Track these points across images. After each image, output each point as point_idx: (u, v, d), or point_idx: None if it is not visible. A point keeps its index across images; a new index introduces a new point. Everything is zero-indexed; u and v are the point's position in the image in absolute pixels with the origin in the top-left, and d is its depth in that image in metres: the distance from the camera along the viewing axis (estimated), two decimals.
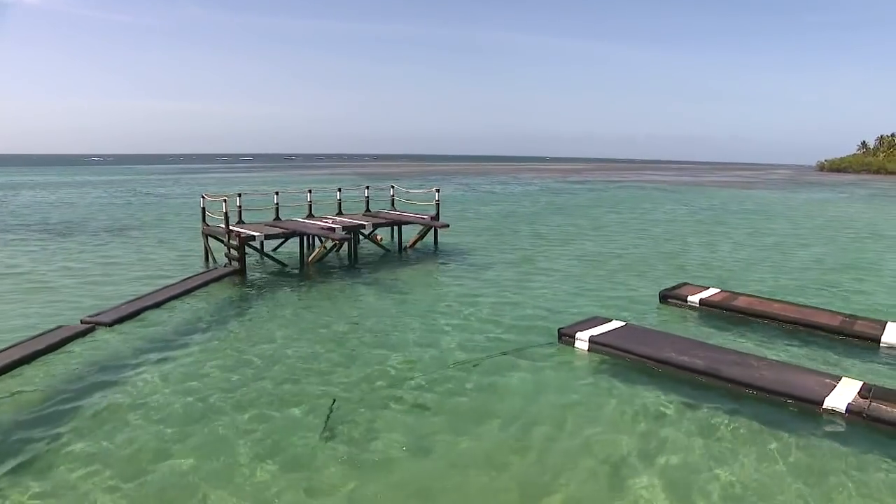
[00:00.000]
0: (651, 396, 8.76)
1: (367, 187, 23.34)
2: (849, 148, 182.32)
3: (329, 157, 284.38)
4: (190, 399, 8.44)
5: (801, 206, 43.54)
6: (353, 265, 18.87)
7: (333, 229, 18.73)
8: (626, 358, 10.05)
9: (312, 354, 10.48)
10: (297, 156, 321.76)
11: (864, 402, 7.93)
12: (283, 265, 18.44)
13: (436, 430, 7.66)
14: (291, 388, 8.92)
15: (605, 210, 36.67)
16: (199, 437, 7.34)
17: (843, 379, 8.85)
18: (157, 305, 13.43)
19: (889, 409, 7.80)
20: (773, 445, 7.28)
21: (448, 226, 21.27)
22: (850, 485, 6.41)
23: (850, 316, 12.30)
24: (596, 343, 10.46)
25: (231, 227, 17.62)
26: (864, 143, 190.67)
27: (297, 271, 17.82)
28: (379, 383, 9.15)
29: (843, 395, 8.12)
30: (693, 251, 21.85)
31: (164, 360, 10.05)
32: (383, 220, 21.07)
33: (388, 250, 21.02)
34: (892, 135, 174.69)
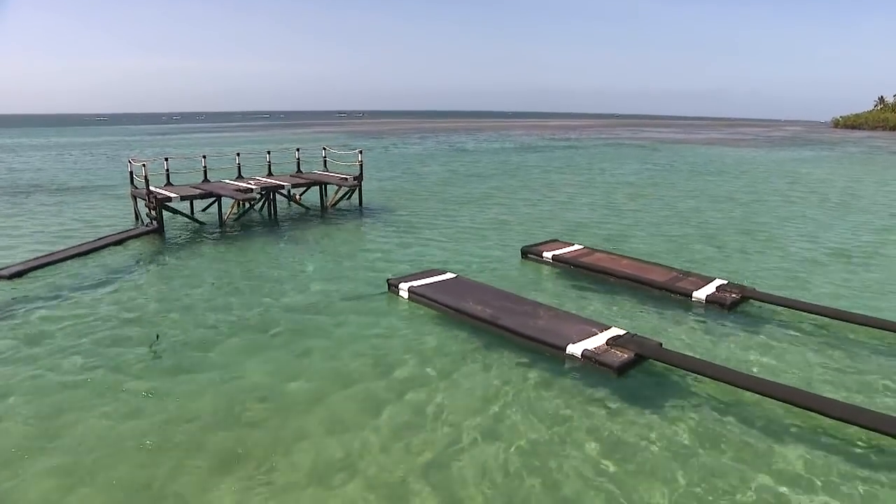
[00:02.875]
0: (434, 340, 10.01)
1: (298, 149, 24.34)
2: (871, 103, 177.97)
3: (331, 113, 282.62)
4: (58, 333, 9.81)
5: (765, 165, 43.71)
6: (273, 223, 20.02)
7: (251, 190, 19.86)
8: (433, 306, 11.22)
9: (186, 297, 12.17)
10: (301, 112, 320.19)
11: (599, 349, 9.02)
12: (201, 224, 19.60)
13: (245, 356, 9.32)
14: (142, 328, 10.39)
15: (552, 171, 36.94)
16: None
17: (612, 328, 9.91)
18: (65, 260, 14.70)
19: (617, 353, 8.91)
20: (521, 384, 8.48)
21: (357, 185, 22.25)
22: (575, 418, 7.61)
23: (684, 273, 13.27)
24: (414, 293, 11.67)
25: (151, 189, 18.76)
26: (881, 99, 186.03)
27: (217, 230, 18.96)
28: (225, 323, 10.67)
29: (588, 343, 9.22)
30: (597, 212, 22.46)
31: (54, 306, 11.40)
32: (305, 181, 22.13)
33: (308, 209, 22.07)
34: None
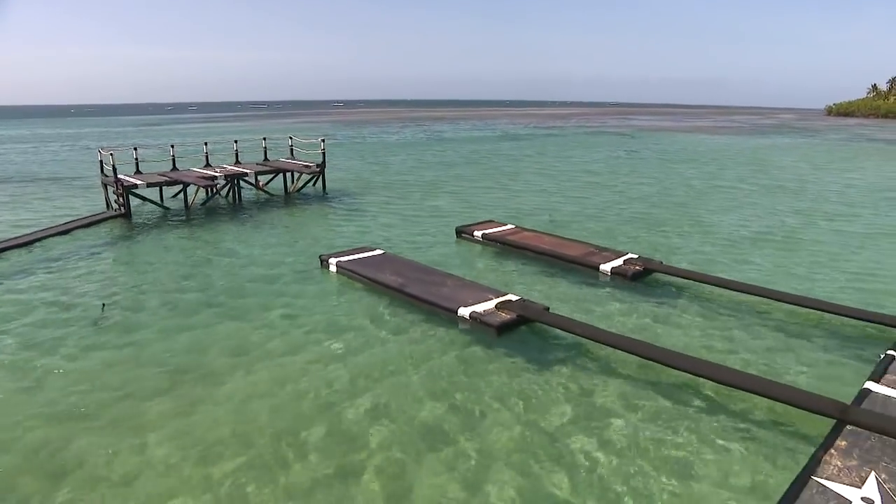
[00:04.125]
0: (350, 305, 11.20)
1: (265, 139, 25.36)
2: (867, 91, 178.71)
3: (329, 103, 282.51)
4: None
5: (738, 152, 44.67)
6: (237, 208, 21.09)
7: (215, 178, 20.91)
8: (357, 278, 12.36)
9: (138, 272, 13.50)
10: (300, 102, 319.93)
11: (486, 312, 10.13)
12: (167, 209, 20.66)
13: (183, 318, 10.64)
14: (89, 300, 11.49)
15: (520, 159, 37.39)
16: None
17: (508, 295, 11.01)
18: (32, 242, 15.76)
19: (501, 315, 10.06)
20: (419, 340, 9.69)
21: (320, 172, 23.30)
22: (455, 365, 8.80)
23: (599, 248, 14.36)
24: (341, 267, 12.82)
25: (118, 177, 19.79)
26: (874, 87, 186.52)
27: (183, 215, 20.01)
28: (172, 293, 11.88)
29: (478, 306, 10.34)
30: (546, 198, 23.31)
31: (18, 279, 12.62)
32: (269, 169, 23.16)
33: (272, 195, 23.13)
34: None
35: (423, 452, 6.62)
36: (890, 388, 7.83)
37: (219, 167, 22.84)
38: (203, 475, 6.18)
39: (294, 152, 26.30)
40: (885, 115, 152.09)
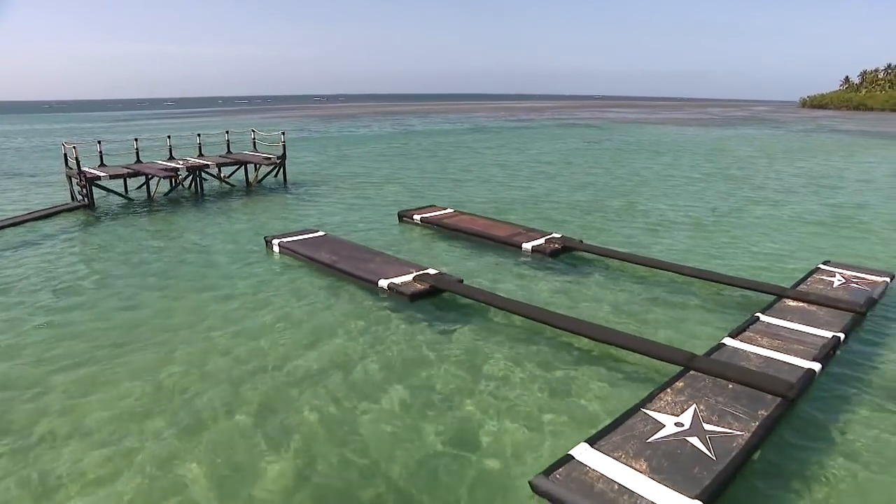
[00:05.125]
0: (288, 280, 12.23)
1: (228, 132, 26.22)
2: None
3: (310, 97, 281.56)
4: None
5: (700, 143, 46.15)
6: (199, 199, 21.97)
7: (177, 169, 21.77)
8: (297, 257, 13.43)
9: (98, 254, 14.43)
10: (280, 97, 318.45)
11: (403, 283, 11.20)
12: (131, 200, 21.50)
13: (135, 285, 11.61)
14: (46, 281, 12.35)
15: (482, 151, 38.06)
16: None
17: (428, 269, 12.09)
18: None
19: (416, 285, 11.10)
20: (344, 308, 10.73)
21: (281, 164, 24.23)
22: (372, 329, 9.83)
23: (526, 229, 15.49)
24: (283, 247, 13.86)
25: (82, 169, 20.59)
26: (846, 79, 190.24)
27: (146, 205, 20.84)
28: (126, 272, 12.77)
29: (397, 279, 11.40)
30: (490, 188, 24.45)
31: None
32: (230, 161, 24.04)
33: (233, 186, 24.02)
34: (876, 70, 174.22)
35: (323, 395, 7.67)
36: (742, 343, 9.00)
37: (182, 160, 23.66)
38: (132, 430, 7.15)
39: (257, 145, 27.07)
40: (857, 108, 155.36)
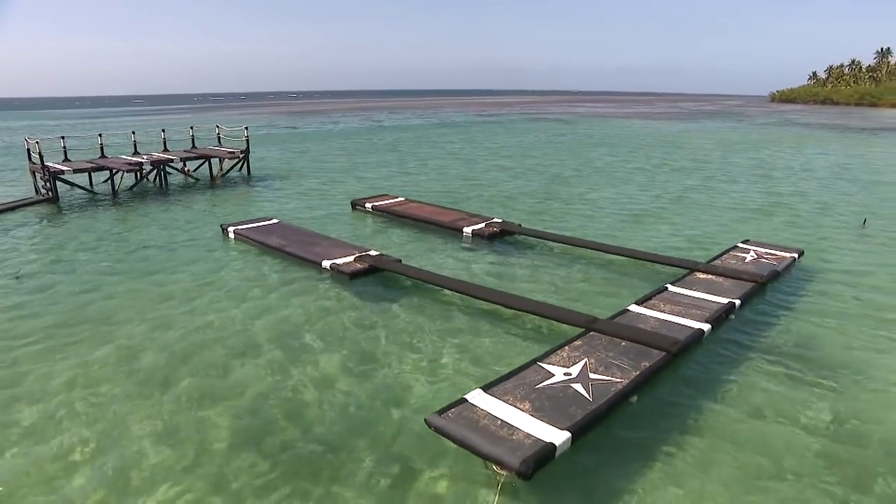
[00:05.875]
0: (241, 263, 12.98)
1: (192, 127, 26.82)
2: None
3: (287, 94, 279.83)
4: None
5: (662, 136, 47.71)
6: (164, 192, 22.57)
7: (140, 164, 22.35)
8: (250, 242, 14.22)
9: (58, 245, 14.97)
10: (257, 94, 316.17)
11: (344, 263, 12.07)
12: (95, 194, 22.04)
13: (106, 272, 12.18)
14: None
15: (443, 144, 39.30)
16: None
17: (370, 250, 12.96)
18: None
19: (356, 265, 11.98)
20: (291, 286, 11.54)
21: (245, 158, 24.92)
22: (314, 305, 10.66)
23: (470, 215, 16.43)
24: (238, 234, 14.64)
25: (45, 164, 21.09)
26: (814, 74, 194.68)
27: (110, 199, 21.37)
28: (87, 257, 13.38)
29: (339, 259, 12.27)
30: (443, 179, 25.54)
31: None
32: (194, 155, 24.65)
33: (198, 180, 24.64)
34: (841, 65, 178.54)
35: (264, 360, 8.54)
36: (645, 308, 10.01)
37: (146, 154, 24.20)
38: (83, 392, 7.93)
39: (222, 140, 27.70)
40: (823, 102, 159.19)
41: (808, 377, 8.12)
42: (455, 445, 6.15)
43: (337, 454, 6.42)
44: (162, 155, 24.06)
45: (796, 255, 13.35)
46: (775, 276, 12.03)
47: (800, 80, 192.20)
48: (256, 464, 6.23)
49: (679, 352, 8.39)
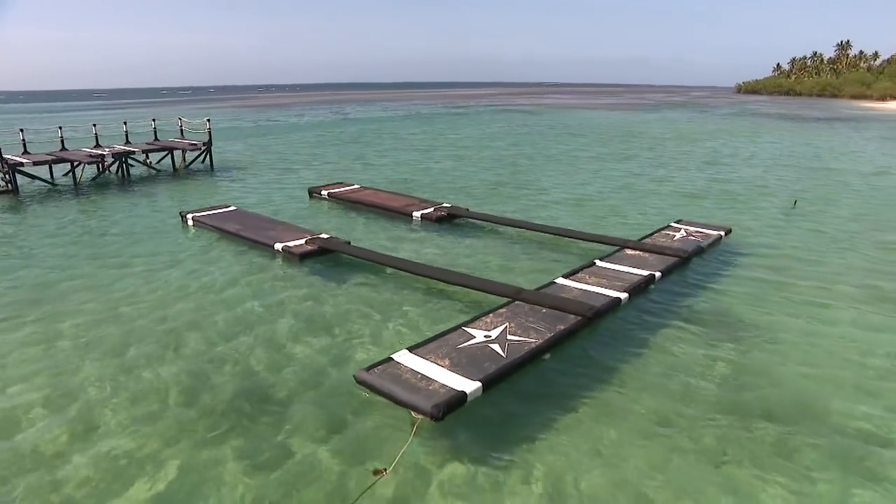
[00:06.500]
0: (199, 248, 13.58)
1: (154, 120, 27.12)
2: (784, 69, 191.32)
3: (256, 87, 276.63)
4: None
5: (623, 126, 49.21)
6: (126, 183, 22.89)
7: (102, 156, 22.66)
8: (208, 228, 14.80)
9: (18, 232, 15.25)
10: (227, 87, 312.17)
11: (294, 246, 12.75)
12: (56, 186, 22.32)
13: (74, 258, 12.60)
14: None
15: (405, 136, 40.34)
16: None
17: (322, 234, 13.66)
18: None
19: (305, 247, 12.67)
20: (246, 267, 12.16)
21: (207, 150, 25.35)
22: (268, 283, 11.32)
23: (421, 200, 17.19)
24: (196, 220, 15.21)
25: (3, 156, 21.29)
26: (778, 66, 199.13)
27: (72, 191, 21.65)
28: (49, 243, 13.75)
29: (290, 242, 12.96)
30: (398, 168, 26.46)
31: None
32: (157, 147, 24.99)
33: (160, 171, 25.00)
34: (804, 57, 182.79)
35: (214, 328, 9.21)
36: (571, 281, 10.87)
37: (108, 146, 24.47)
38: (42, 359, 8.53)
39: (184, 133, 28.06)
40: (787, 93, 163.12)
41: (715, 338, 9.03)
42: (380, 396, 6.91)
43: (280, 407, 7.16)
44: (124, 147, 24.32)
45: (723, 233, 14.34)
46: (699, 251, 13.00)
47: (766, 71, 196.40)
48: (206, 415, 6.94)
49: (594, 316, 9.24)
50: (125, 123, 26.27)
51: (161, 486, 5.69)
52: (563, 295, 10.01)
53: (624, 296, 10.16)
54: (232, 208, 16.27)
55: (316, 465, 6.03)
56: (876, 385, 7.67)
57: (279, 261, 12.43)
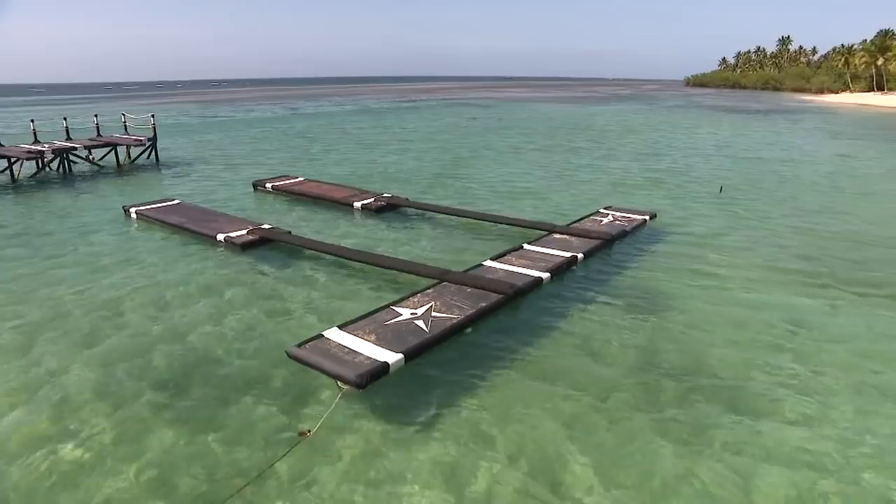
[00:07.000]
0: (143, 240, 13.82)
1: (96, 115, 26.88)
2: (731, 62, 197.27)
3: (209, 83, 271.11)
4: None
5: (571, 119, 50.46)
6: (67, 180, 22.70)
7: (42, 152, 22.43)
8: (152, 221, 15.03)
9: None
10: (178, 82, 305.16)
11: (236, 236, 13.14)
12: None
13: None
14: None
15: (351, 132, 40.09)
16: None
17: (264, 224, 14.06)
18: None
19: (247, 237, 13.10)
20: (189, 258, 12.51)
21: (152, 145, 25.34)
22: (210, 272, 11.64)
23: (362, 191, 17.71)
24: (139, 214, 15.42)
25: None
26: (724, 60, 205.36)
27: (10, 188, 21.37)
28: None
29: (232, 233, 13.35)
30: (344, 161, 26.99)
31: None
32: (99, 143, 24.83)
33: (102, 167, 24.85)
34: (749, 52, 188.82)
35: (155, 311, 9.60)
36: (498, 263, 11.56)
37: (48, 143, 24.23)
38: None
39: (129, 129, 27.90)
40: (733, 86, 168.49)
41: (629, 312, 9.81)
42: (311, 369, 7.49)
43: (217, 380, 7.66)
44: (65, 143, 24.12)
45: (648, 217, 15.28)
46: (623, 234, 13.88)
47: (716, 65, 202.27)
48: (147, 392, 7.38)
49: (515, 295, 9.95)
50: (65, 119, 26.00)
51: (96, 449, 6.15)
52: (489, 276, 10.68)
53: (546, 275, 10.89)
54: (176, 202, 16.51)
55: (248, 429, 6.60)
56: (766, 348, 8.59)
57: (221, 251, 12.80)
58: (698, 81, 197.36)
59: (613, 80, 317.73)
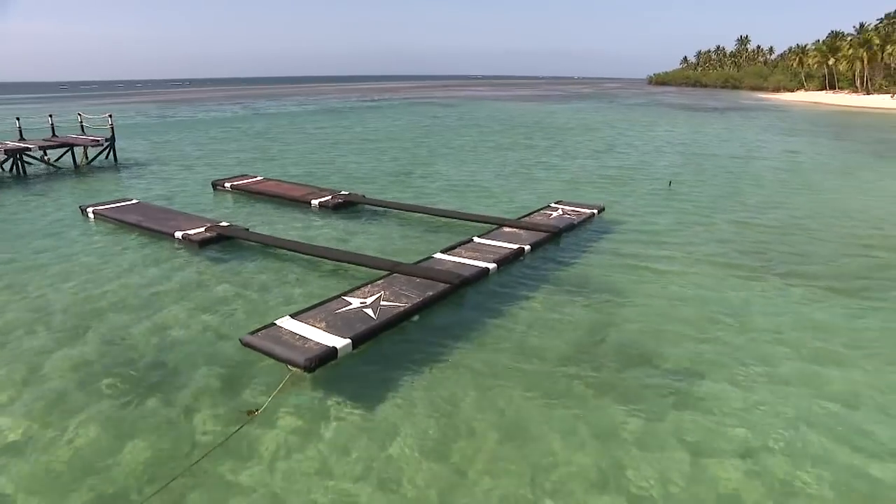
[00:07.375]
0: (102, 239, 13.97)
1: (51, 115, 26.62)
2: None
3: (170, 82, 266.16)
4: None
5: (531, 116, 51.43)
6: (21, 181, 22.47)
7: None
8: (110, 221, 15.17)
9: None
10: (139, 81, 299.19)
11: (193, 234, 13.39)
12: None
13: None
14: None
15: (311, 132, 40.40)
16: None
17: (223, 222, 14.32)
18: None
19: (204, 234, 13.34)
20: (148, 255, 12.70)
21: (110, 146, 25.23)
22: (172, 268, 11.86)
23: (319, 189, 18.05)
24: (97, 213, 15.52)
25: None
26: (685, 59, 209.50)
27: None
28: None
29: (190, 230, 13.57)
30: (304, 160, 27.31)
31: None
32: (55, 143, 24.61)
33: (58, 168, 24.65)
34: (709, 50, 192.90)
35: (117, 308, 9.86)
36: (448, 255, 12.04)
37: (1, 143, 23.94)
38: None
39: (85, 129, 27.67)
40: (695, 84, 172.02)
41: (572, 300, 10.36)
42: (264, 355, 7.89)
43: (173, 366, 8.04)
44: (18, 144, 23.88)
45: (596, 211, 15.93)
46: (571, 227, 14.49)
47: (678, 63, 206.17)
48: (110, 380, 7.70)
49: (462, 284, 10.45)
50: (17, 119, 25.69)
51: (80, 442, 6.53)
52: (438, 267, 11.17)
53: (493, 266, 11.42)
54: (134, 201, 16.64)
55: (202, 408, 7.03)
56: (699, 335, 9.23)
57: (180, 249, 13.06)
58: (661, 80, 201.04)
59: (580, 78, 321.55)
